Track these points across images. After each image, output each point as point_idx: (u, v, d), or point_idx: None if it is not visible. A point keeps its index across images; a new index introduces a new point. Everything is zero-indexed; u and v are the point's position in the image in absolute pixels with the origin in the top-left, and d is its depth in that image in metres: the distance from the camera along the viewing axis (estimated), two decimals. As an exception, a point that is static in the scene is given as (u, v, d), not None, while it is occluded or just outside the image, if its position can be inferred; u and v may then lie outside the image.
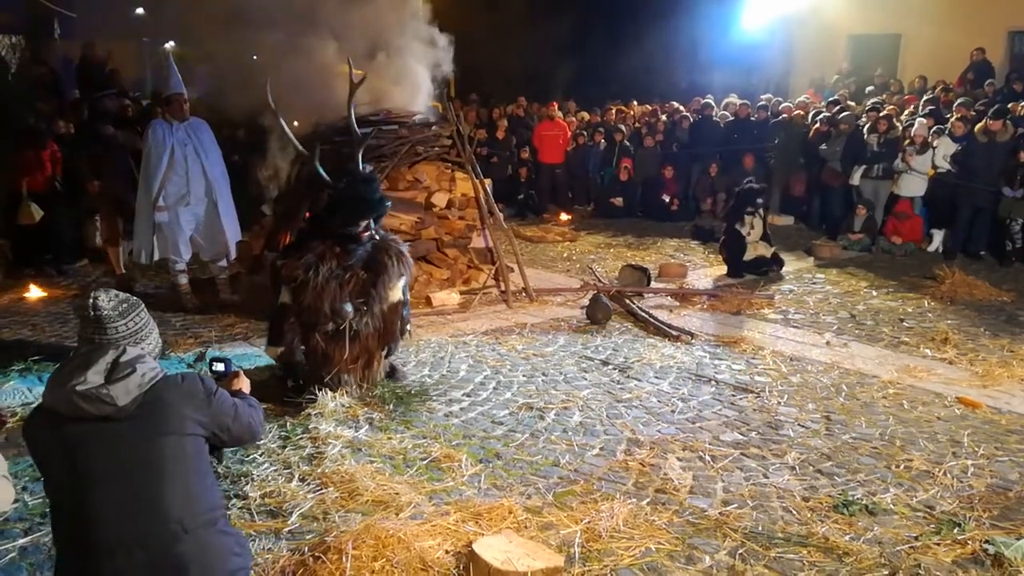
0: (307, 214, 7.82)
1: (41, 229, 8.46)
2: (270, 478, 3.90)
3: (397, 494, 3.73)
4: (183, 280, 7.20)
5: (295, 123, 7.83)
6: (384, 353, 5.25)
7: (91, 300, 2.48)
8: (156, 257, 7.13)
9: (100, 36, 14.33)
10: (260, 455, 4.15)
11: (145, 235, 7.02)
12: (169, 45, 11.40)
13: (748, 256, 8.95)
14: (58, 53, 15.07)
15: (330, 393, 4.86)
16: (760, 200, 9.07)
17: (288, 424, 4.61)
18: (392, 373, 5.43)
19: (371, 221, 5.04)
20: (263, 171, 9.87)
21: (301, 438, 4.39)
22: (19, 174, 8.42)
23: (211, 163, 7.07)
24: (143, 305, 2.56)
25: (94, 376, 2.36)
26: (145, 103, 11.03)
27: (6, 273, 8.31)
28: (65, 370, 2.40)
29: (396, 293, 5.15)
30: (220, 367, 2.99)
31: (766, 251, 9.04)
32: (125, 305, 2.51)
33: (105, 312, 2.46)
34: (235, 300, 7.13)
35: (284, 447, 4.29)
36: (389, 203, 5.43)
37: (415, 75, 8.00)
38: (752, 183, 9.25)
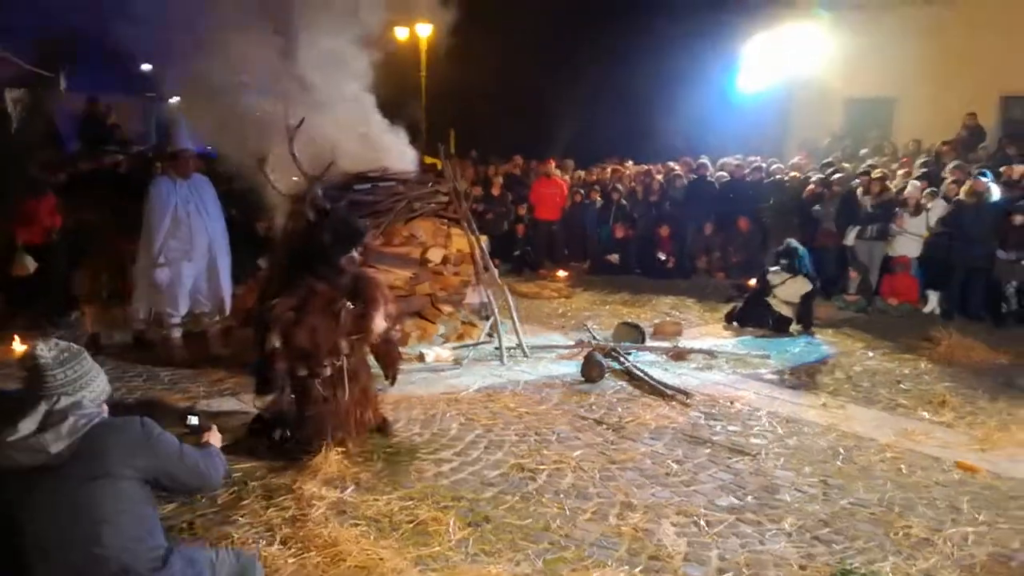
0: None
1: (34, 281, 8.42)
2: (251, 540, 3.79)
3: (382, 559, 3.62)
4: (177, 334, 7.14)
5: (294, 178, 7.91)
6: (390, 382, 5.31)
7: (32, 350, 2.51)
8: (153, 312, 7.09)
9: (105, 91, 14.55)
10: (242, 516, 4.05)
11: (145, 290, 6.99)
12: (174, 100, 11.53)
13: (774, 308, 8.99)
14: (63, 107, 15.25)
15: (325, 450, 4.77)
16: (789, 261, 9.04)
17: (272, 483, 4.51)
18: (384, 426, 5.35)
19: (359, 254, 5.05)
20: (261, 224, 9.95)
21: (285, 498, 4.28)
22: (15, 225, 8.42)
23: (212, 219, 7.09)
24: (85, 354, 2.59)
25: (26, 426, 2.38)
26: (147, 157, 11.13)
27: (-1, 325, 8.24)
28: None
29: (381, 320, 5.10)
30: (194, 420, 3.02)
31: (790, 313, 9.03)
32: (66, 354, 2.54)
33: (43, 361, 2.49)
34: (226, 354, 7.06)
35: (267, 508, 4.18)
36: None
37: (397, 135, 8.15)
38: (792, 242, 9.29)
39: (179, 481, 2.66)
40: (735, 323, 9.24)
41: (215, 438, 3.01)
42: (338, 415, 4.93)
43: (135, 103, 17.11)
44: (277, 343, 4.77)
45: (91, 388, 2.57)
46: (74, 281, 8.82)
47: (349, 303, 4.91)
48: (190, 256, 6.96)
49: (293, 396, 4.98)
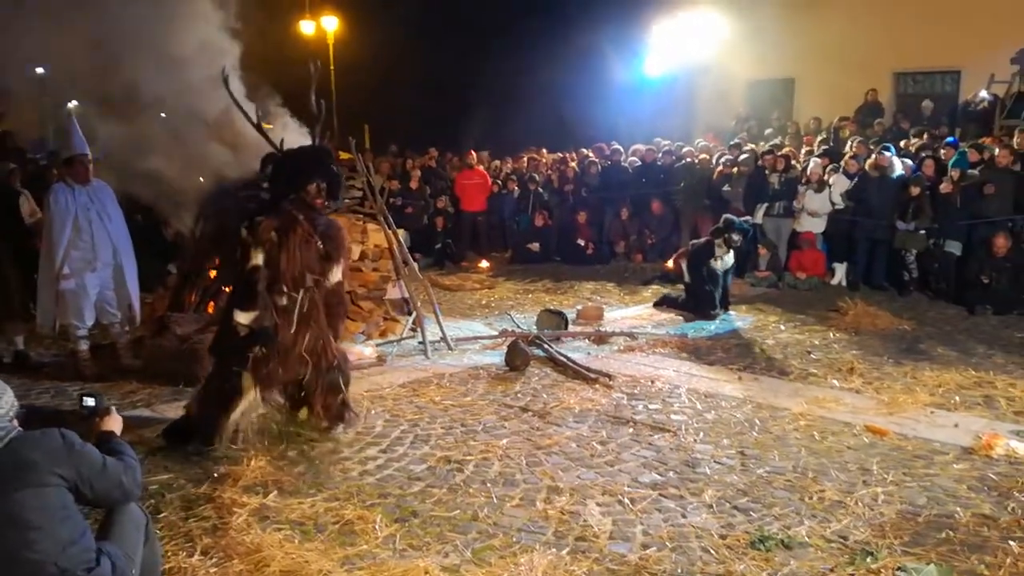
0: (213, 268, 7.64)
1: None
2: (170, 553, 3.67)
3: (307, 562, 3.56)
4: (84, 346, 6.84)
5: (200, 179, 7.69)
6: (331, 335, 5.26)
7: None
8: (59, 324, 6.78)
9: (-3, 96, 13.78)
10: (160, 528, 3.92)
11: (49, 304, 6.68)
12: (72, 104, 11.03)
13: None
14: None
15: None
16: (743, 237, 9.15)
17: (191, 493, 4.38)
18: (342, 412, 5.31)
19: (327, 191, 5.01)
20: (168, 229, 9.64)
21: (204, 508, 4.17)
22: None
23: (115, 226, 6.82)
24: None
25: None
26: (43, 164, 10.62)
27: None
28: None
29: (338, 273, 5.20)
30: (90, 402, 2.99)
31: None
32: None
33: None
34: (137, 365, 6.81)
35: (187, 519, 4.06)
36: (342, 179, 5.36)
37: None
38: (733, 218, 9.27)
39: (99, 492, 2.70)
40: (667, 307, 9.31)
41: (114, 422, 3.03)
42: (283, 344, 4.92)
43: (30, 108, 16.29)
44: (260, 260, 4.83)
45: (0, 404, 2.59)
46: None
47: (320, 243, 4.99)
48: (94, 266, 6.68)
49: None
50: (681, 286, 9.55)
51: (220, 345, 5.12)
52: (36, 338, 7.48)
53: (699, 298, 9.04)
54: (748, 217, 10.17)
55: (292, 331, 4.96)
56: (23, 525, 2.46)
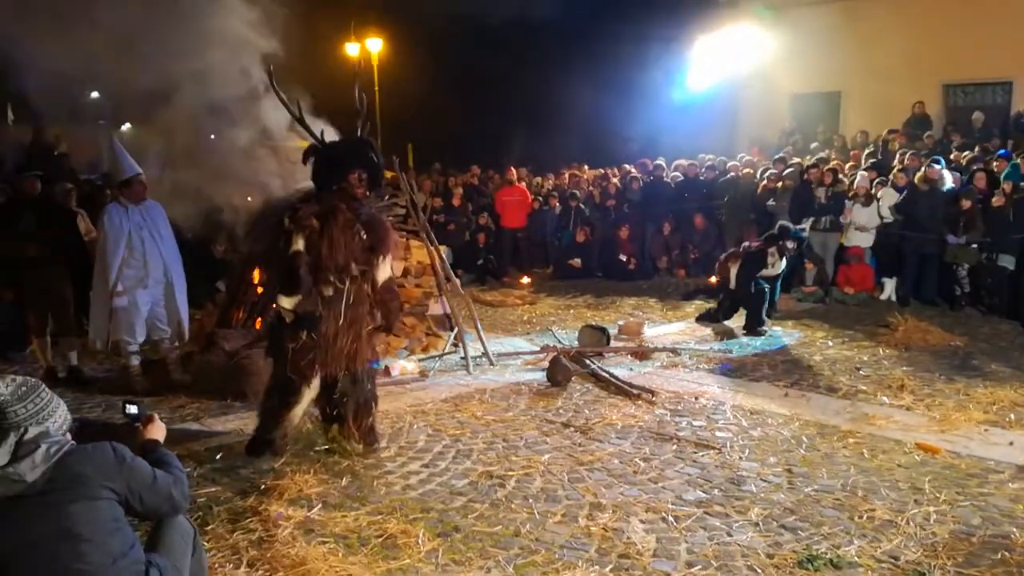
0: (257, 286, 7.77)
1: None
2: (216, 565, 3.73)
3: (351, 575, 3.59)
4: (135, 361, 7.01)
5: (248, 198, 7.85)
6: (384, 329, 5.35)
7: None
8: (111, 340, 6.96)
9: (54, 121, 14.27)
10: (207, 540, 3.98)
11: (102, 320, 6.87)
12: (126, 127, 11.37)
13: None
14: (11, 139, 14.97)
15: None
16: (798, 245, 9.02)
17: (237, 506, 4.45)
18: (371, 434, 5.32)
19: (368, 181, 5.06)
20: (217, 247, 9.85)
21: (251, 520, 4.23)
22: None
23: (166, 244, 7.01)
24: (43, 386, 2.64)
25: None
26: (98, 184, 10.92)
27: (-51, 362, 8.03)
28: None
29: (388, 268, 5.24)
30: (133, 409, 3.03)
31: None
32: (24, 389, 2.60)
33: (2, 399, 2.54)
34: (186, 380, 6.96)
35: (233, 531, 4.12)
36: (382, 168, 5.35)
37: None
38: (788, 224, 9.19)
39: (148, 506, 2.74)
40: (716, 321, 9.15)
41: (158, 430, 3.05)
42: (324, 337, 4.97)
43: (85, 131, 16.84)
44: (301, 245, 4.88)
45: (54, 418, 2.63)
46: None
47: (363, 233, 5.03)
48: (145, 283, 6.86)
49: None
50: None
51: (273, 346, 5.19)
52: (88, 353, 7.68)
53: (746, 306, 8.88)
54: (804, 225, 9.97)
55: (337, 324, 4.99)
56: (75, 538, 2.49)
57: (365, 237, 5.06)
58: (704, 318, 9.36)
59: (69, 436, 2.71)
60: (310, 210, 4.92)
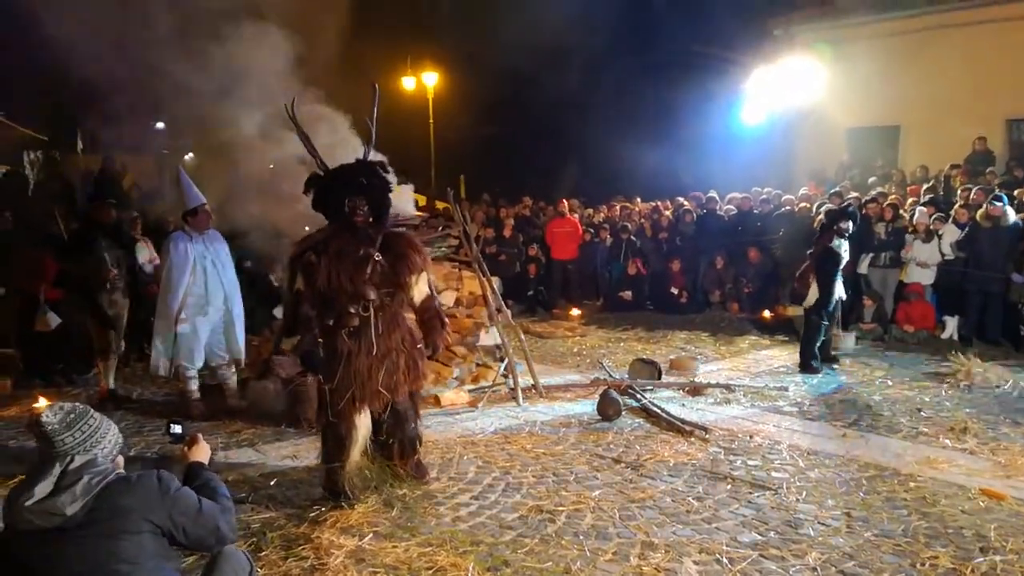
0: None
1: (54, 338, 8.52)
2: (271, 592, 3.78)
3: (401, 606, 3.59)
4: (193, 386, 7.19)
5: (306, 228, 8.03)
6: (430, 352, 5.12)
7: (37, 418, 2.55)
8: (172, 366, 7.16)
9: (121, 150, 14.82)
10: (260, 566, 4.03)
11: (164, 346, 7.06)
12: (188, 157, 11.74)
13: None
14: (80, 167, 15.56)
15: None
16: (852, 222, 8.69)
17: (291, 533, 4.50)
18: (419, 468, 5.28)
19: (369, 207, 4.82)
20: (275, 276, 10.06)
21: (303, 548, 4.27)
22: (37, 282, 8.53)
23: (227, 273, 7.20)
24: (92, 412, 2.62)
25: (41, 489, 2.43)
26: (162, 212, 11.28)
27: (16, 384, 8.31)
28: (17, 487, 2.49)
29: (424, 287, 5.03)
30: (177, 429, 2.98)
31: (842, 293, 8.93)
32: (72, 416, 2.57)
33: (51, 428, 2.52)
34: (243, 406, 7.09)
35: (286, 558, 4.16)
36: (385, 192, 4.97)
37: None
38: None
39: (192, 537, 2.65)
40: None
41: (202, 451, 2.99)
42: (359, 374, 4.78)
43: (150, 160, 17.42)
44: (300, 284, 4.76)
45: (103, 445, 2.60)
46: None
47: (378, 255, 4.79)
48: (206, 310, 7.05)
49: (322, 346, 4.83)
50: (781, 336, 9.17)
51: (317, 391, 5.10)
52: (149, 378, 7.89)
53: (818, 307, 8.62)
54: (850, 199, 9.63)
55: (370, 358, 4.78)
56: (114, 571, 2.45)
57: (381, 259, 4.79)
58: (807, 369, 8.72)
59: (121, 460, 2.69)
60: (304, 244, 4.81)
